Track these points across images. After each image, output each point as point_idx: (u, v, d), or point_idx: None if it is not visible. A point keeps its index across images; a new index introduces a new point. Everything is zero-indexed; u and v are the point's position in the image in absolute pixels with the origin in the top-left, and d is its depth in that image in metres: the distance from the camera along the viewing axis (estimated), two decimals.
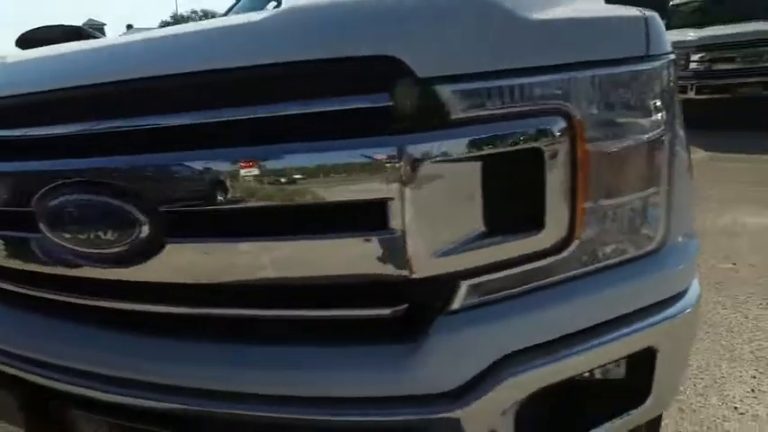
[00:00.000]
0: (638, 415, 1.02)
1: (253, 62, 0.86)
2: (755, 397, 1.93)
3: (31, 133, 1.02)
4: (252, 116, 0.88)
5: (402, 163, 0.83)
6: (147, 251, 0.95)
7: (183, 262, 0.94)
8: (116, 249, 0.96)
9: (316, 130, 0.86)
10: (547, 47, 0.88)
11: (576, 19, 0.91)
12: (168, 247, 0.94)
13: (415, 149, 0.83)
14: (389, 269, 0.88)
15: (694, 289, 1.05)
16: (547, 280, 0.95)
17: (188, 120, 0.90)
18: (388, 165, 0.83)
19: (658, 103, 0.96)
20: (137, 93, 0.94)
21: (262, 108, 0.88)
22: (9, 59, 1.14)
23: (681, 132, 1.02)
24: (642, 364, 0.99)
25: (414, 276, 0.88)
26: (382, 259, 0.88)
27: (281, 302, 0.95)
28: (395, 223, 0.85)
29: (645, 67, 0.94)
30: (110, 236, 0.95)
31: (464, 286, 0.91)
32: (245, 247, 0.91)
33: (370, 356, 0.91)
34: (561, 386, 0.93)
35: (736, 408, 1.88)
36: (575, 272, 0.96)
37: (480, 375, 0.90)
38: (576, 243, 0.94)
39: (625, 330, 0.96)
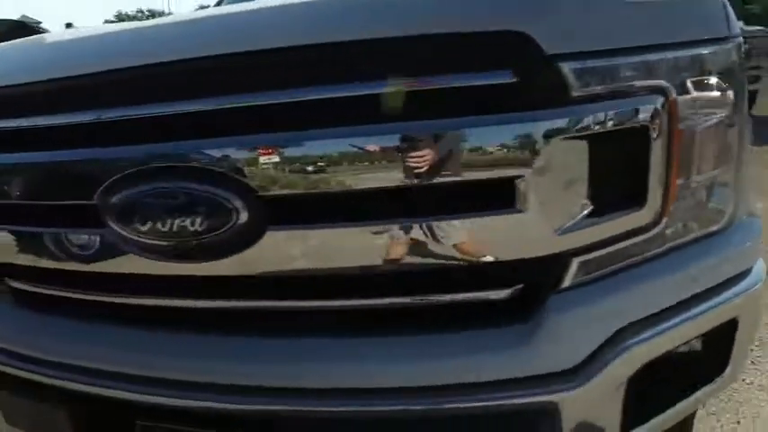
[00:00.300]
0: (718, 385, 1.07)
1: (370, 36, 0.83)
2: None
3: (104, 116, 0.93)
4: (365, 93, 0.84)
5: (532, 140, 0.82)
6: (244, 240, 0.88)
7: (287, 250, 0.88)
8: (206, 240, 0.89)
9: (435, 107, 0.84)
10: (648, 26, 0.91)
11: (667, 1, 0.95)
12: (269, 234, 0.88)
13: (545, 126, 0.83)
14: (513, 249, 0.87)
15: (760, 264, 1.11)
16: (641, 256, 0.97)
17: (294, 98, 0.85)
18: (517, 142, 0.83)
19: (734, 83, 1.01)
20: (233, 69, 0.87)
21: (379, 85, 0.84)
22: (56, 38, 1.03)
23: (746, 112, 1.08)
24: (725, 334, 1.03)
25: (536, 255, 0.87)
26: (506, 239, 0.87)
27: (394, 290, 0.91)
28: (521, 202, 0.84)
29: (726, 47, 0.99)
30: (198, 226, 0.88)
31: (575, 264, 0.91)
32: (358, 232, 0.87)
33: (490, 339, 0.89)
34: (662, 359, 0.95)
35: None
36: (664, 247, 0.99)
37: (597, 351, 0.90)
38: (665, 220, 0.96)
39: (715, 302, 0.99)
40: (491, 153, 0.83)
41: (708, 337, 1.03)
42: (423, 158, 0.83)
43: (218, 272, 0.91)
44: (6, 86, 1.01)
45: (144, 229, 0.91)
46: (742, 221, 1.10)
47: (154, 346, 0.96)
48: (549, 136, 0.83)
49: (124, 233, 0.93)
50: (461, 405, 0.87)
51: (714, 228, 1.05)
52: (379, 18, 0.85)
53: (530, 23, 0.82)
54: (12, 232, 1.07)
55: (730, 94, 1.01)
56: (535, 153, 0.82)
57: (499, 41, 0.83)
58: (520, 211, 0.85)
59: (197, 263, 0.91)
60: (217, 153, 0.87)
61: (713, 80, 0.98)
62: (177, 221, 0.88)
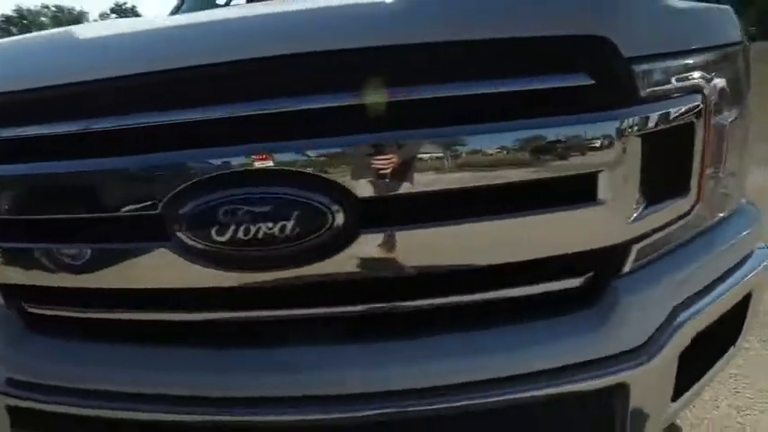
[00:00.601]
0: (731, 354, 1.19)
1: (469, 37, 0.85)
2: None
3: (172, 118, 0.87)
4: (455, 93, 0.86)
5: (612, 137, 0.88)
6: (338, 244, 0.87)
7: (380, 252, 0.88)
8: (295, 247, 0.87)
9: (518, 108, 0.88)
10: (691, 31, 1.00)
11: (701, 8, 1.05)
12: (363, 237, 0.87)
13: (622, 124, 0.89)
14: (592, 239, 0.93)
15: (761, 246, 1.24)
16: (680, 240, 1.07)
17: (392, 97, 0.85)
18: (600, 139, 0.88)
19: (745, 82, 1.13)
20: (327, 67, 0.86)
21: (462, 86, 0.87)
22: (105, 31, 0.95)
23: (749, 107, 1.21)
24: (742, 308, 1.16)
25: (611, 244, 0.94)
26: (587, 230, 0.92)
27: (477, 286, 0.93)
28: (602, 194, 0.90)
29: (740, 51, 1.11)
30: (289, 232, 0.86)
31: (634, 250, 0.98)
32: (451, 230, 0.88)
33: (568, 326, 0.95)
34: (702, 332, 1.06)
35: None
36: (695, 231, 1.09)
37: (658, 329, 0.98)
38: (699, 206, 1.06)
39: (738, 278, 1.11)
40: (576, 150, 0.88)
41: (730, 311, 1.15)
42: (512, 157, 0.87)
43: (306, 279, 0.89)
44: (47, 87, 0.92)
45: (222, 239, 0.86)
46: (742, 206, 1.23)
47: (241, 362, 0.92)
48: (624, 133, 0.89)
49: (196, 244, 0.88)
50: (550, 390, 0.92)
51: (727, 212, 1.17)
52: (476, 21, 0.87)
53: (611, 28, 0.87)
54: (45, 250, 0.98)
55: (743, 91, 1.13)
56: (614, 149, 0.88)
57: (581, 45, 0.88)
58: (600, 204, 0.90)
59: (282, 271, 0.88)
60: (311, 154, 0.85)
61: (733, 79, 1.09)
62: (264, 229, 0.85)
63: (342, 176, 0.85)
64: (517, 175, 0.87)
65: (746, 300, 1.16)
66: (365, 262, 0.88)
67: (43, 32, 1.20)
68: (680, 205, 1.02)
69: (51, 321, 1.05)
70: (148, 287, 0.95)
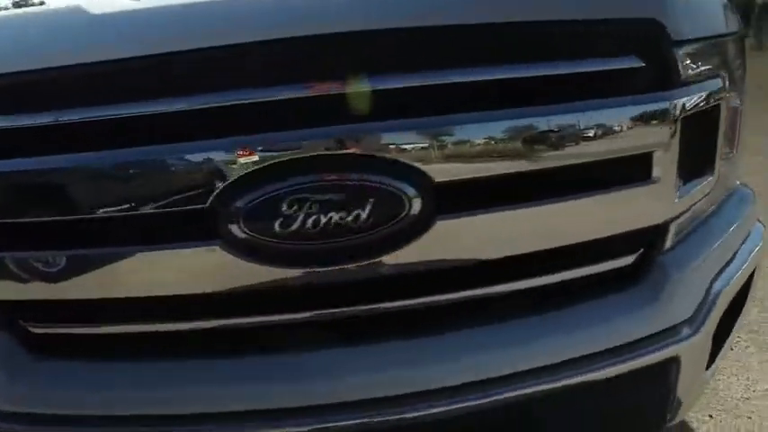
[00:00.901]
0: (740, 324, 1.27)
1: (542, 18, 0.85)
2: None
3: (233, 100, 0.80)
4: (521, 75, 0.86)
5: (665, 118, 0.91)
6: (414, 232, 0.84)
7: (456, 239, 0.86)
8: (368, 237, 0.83)
9: (577, 90, 0.89)
10: (717, 18, 1.06)
11: None
12: (438, 224, 0.85)
13: (674, 105, 0.92)
14: (647, 217, 0.96)
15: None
16: (701, 216, 1.13)
17: (468, 78, 0.83)
18: (655, 120, 0.91)
19: (743, 68, 1.21)
20: (415, 44, 0.83)
21: (524, 68, 0.87)
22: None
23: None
24: (749, 280, 1.23)
25: (662, 221, 0.97)
26: (644, 208, 0.95)
27: (545, 270, 0.93)
28: (656, 173, 0.93)
29: (740, 38, 1.18)
30: (362, 222, 0.82)
31: (673, 226, 1.03)
32: (524, 214, 0.88)
33: (624, 303, 0.97)
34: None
35: None
36: (712, 208, 1.16)
37: (701, 302, 1.03)
38: (716, 184, 1.13)
39: (749, 252, 1.19)
40: (639, 130, 0.90)
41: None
42: (580, 138, 0.88)
43: (380, 271, 0.85)
44: (76, 66, 0.80)
45: (285, 232, 0.81)
46: (738, 187, 1.32)
47: (323, 365, 0.86)
48: (674, 114, 0.93)
49: (255, 240, 0.81)
50: (616, 369, 0.93)
51: (730, 191, 1.25)
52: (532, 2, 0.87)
53: (661, 11, 0.91)
54: (66, 257, 0.86)
55: (744, 76, 1.21)
56: (667, 129, 0.92)
57: (636, 27, 0.90)
58: (655, 182, 0.93)
59: (352, 264, 0.84)
60: (388, 137, 0.81)
61: (738, 65, 1.17)
62: (336, 219, 0.81)
63: (419, 160, 0.82)
64: (586, 156, 0.88)
65: (752, 273, 1.23)
66: (442, 250, 0.86)
67: None
68: (707, 184, 1.07)
69: (63, 341, 0.94)
70: (192, 292, 0.87)
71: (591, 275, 0.97)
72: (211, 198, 0.80)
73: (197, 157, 0.81)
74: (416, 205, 0.83)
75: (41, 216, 0.86)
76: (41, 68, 0.82)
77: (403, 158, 0.82)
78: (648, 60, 0.90)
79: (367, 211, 0.81)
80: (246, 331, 0.89)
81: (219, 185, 0.80)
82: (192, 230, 0.82)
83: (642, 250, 1.00)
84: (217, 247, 0.82)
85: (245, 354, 0.88)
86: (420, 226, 0.84)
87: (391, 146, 0.82)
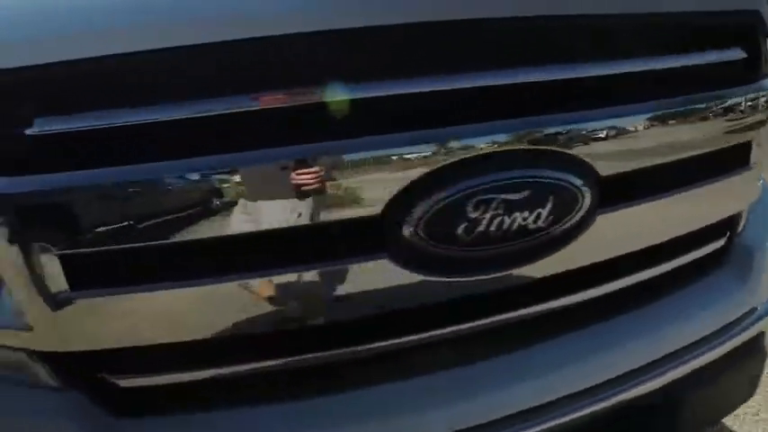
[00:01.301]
0: None
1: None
2: None
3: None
4: (662, 67, 0.86)
5: (763, 106, 0.96)
6: (581, 228, 0.80)
7: (615, 231, 0.84)
8: (547, 236, 0.77)
9: (697, 81, 0.91)
10: None
11: None
12: (599, 218, 0.81)
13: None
14: (743, 201, 1.00)
15: None
16: None
17: (619, 70, 0.81)
18: (756, 108, 0.95)
19: None
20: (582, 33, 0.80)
21: (662, 60, 0.86)
22: None
23: None
24: None
25: (751, 203, 1.02)
26: (741, 193, 0.99)
27: (665, 259, 0.94)
28: (753, 159, 0.98)
29: None
30: (542, 221, 0.76)
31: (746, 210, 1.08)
32: (666, 203, 0.88)
33: (718, 287, 1.01)
34: None
35: None
36: None
37: None
38: None
39: None
40: (747, 120, 0.94)
41: None
42: (701, 129, 0.89)
43: (548, 270, 0.80)
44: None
45: (468, 238, 0.72)
46: None
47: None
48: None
49: (434, 250, 0.72)
50: (721, 350, 0.96)
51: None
52: None
53: (761, 1, 0.95)
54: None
55: None
56: (764, 118, 0.97)
57: (740, 19, 0.93)
58: (751, 168, 0.98)
59: (532, 264, 0.78)
60: (565, 131, 0.76)
61: None
62: (519, 219, 0.74)
63: (589, 154, 0.78)
64: (713, 144, 0.90)
65: None
66: (597, 244, 0.83)
67: None
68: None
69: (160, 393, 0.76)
70: (351, 316, 0.75)
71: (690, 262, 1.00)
72: (383, 206, 0.69)
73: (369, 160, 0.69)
74: (587, 200, 0.78)
75: (148, 240, 0.67)
76: (131, 52, 0.64)
77: (576, 153, 0.77)
78: (749, 52, 0.94)
79: (548, 209, 0.75)
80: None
81: (392, 192, 0.69)
82: (361, 242, 0.71)
83: (728, 233, 1.04)
84: (386, 259, 0.71)
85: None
86: (588, 221, 0.80)
87: (568, 140, 0.76)
